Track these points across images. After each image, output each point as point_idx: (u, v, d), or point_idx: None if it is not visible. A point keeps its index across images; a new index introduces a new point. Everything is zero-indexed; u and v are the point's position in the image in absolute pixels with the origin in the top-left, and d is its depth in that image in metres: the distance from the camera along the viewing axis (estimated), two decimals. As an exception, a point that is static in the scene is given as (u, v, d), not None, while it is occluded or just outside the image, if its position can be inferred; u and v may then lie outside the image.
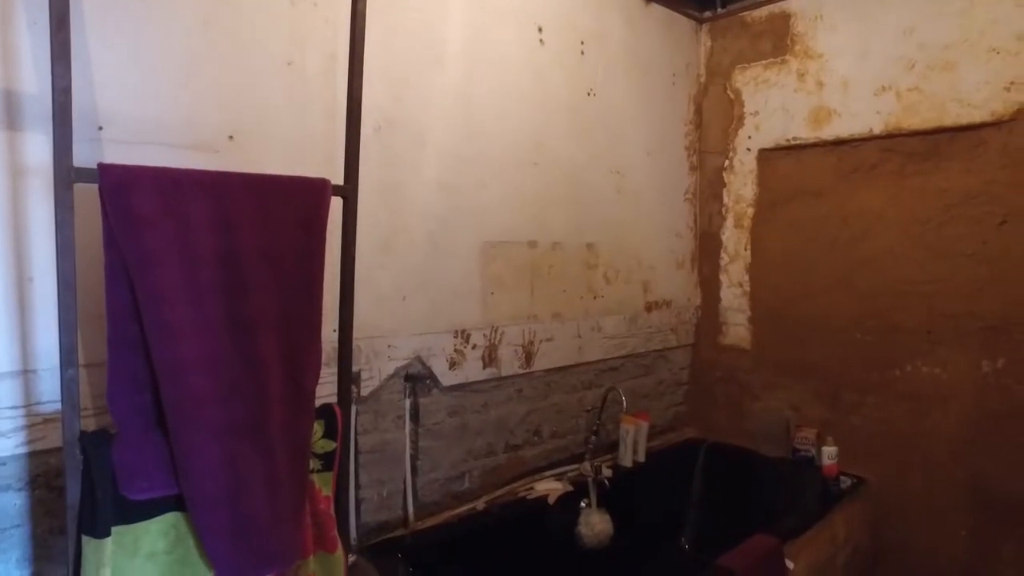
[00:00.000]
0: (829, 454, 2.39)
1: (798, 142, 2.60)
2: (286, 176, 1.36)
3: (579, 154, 2.40)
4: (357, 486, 1.88)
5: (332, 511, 1.45)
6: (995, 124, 2.15)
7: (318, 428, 1.43)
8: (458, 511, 2.09)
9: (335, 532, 1.45)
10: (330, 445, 1.45)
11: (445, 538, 1.98)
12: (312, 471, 1.41)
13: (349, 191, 1.48)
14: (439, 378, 2.03)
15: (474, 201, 2.10)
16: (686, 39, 2.84)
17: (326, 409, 1.46)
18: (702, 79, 2.91)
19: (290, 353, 1.32)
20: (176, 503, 1.23)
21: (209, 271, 1.22)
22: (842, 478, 2.39)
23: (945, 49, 2.24)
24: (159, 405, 1.19)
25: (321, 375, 1.61)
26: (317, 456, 1.43)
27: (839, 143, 2.50)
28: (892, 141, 2.37)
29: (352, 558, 1.84)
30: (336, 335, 1.58)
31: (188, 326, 1.18)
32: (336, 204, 1.50)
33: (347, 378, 1.51)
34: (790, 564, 1.93)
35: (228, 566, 1.23)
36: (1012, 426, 2.11)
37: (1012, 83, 2.11)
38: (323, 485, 1.44)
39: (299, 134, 1.67)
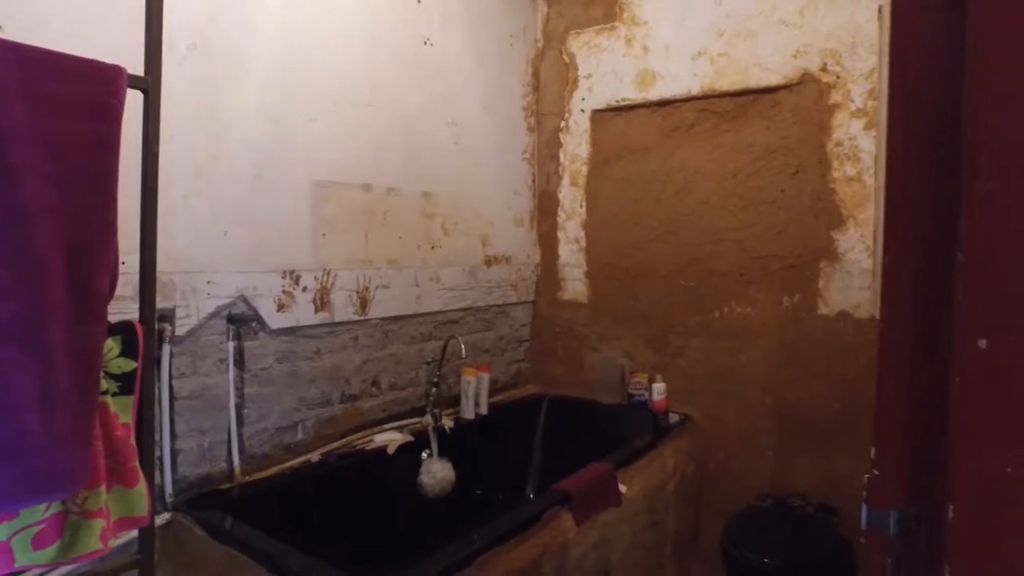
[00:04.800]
0: (658, 390, 2.53)
1: (627, 103, 2.75)
2: (70, 55, 1.19)
3: (416, 101, 2.36)
4: (173, 436, 1.70)
5: (133, 440, 1.28)
6: (787, 87, 2.41)
7: (114, 345, 1.26)
8: (291, 463, 1.96)
9: (136, 463, 1.28)
10: (129, 365, 1.28)
11: (276, 491, 1.85)
12: (107, 393, 1.24)
13: (151, 83, 1.33)
14: (266, 320, 1.90)
15: (303, 136, 1.99)
16: (523, 3, 2.91)
17: (124, 325, 1.29)
18: (539, 44, 3.00)
19: (77, 251, 1.15)
20: (-84, 426, 1.02)
21: (-39, 147, 1.03)
22: (671, 415, 2.54)
23: (747, 19, 2.47)
24: None
25: (126, 312, 1.45)
26: (113, 376, 1.25)
27: (663, 104, 2.67)
28: (707, 102, 2.57)
29: (166, 516, 1.66)
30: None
31: (-71, 205, 0.99)
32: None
33: (150, 294, 1.35)
34: (623, 488, 2.02)
35: (-11, 495, 1.05)
36: (804, 353, 2.37)
37: (798, 51, 2.38)
38: (120, 410, 1.26)
39: (93, 39, 1.48)
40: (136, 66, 1.30)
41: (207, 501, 1.72)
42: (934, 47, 0.47)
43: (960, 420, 0.45)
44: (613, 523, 1.96)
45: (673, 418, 2.54)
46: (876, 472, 0.51)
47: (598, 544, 1.88)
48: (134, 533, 1.37)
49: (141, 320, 1.34)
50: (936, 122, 0.48)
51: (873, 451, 0.52)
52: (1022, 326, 0.43)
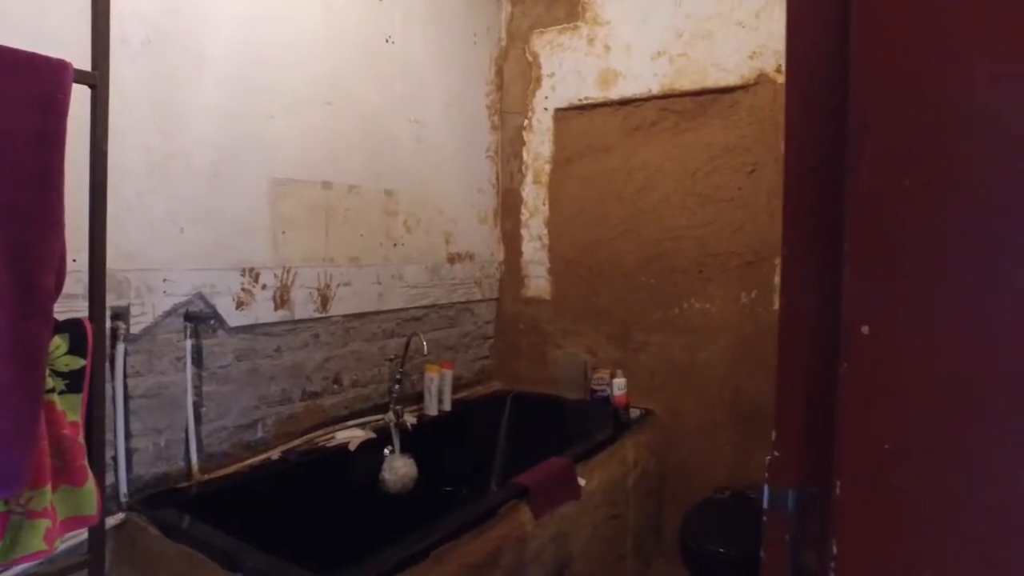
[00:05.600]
0: (619, 385, 2.57)
1: (589, 102, 2.78)
2: (11, 48, 1.17)
3: (377, 99, 2.36)
4: (128, 435, 1.68)
5: (81, 439, 1.27)
6: (744, 87, 2.46)
7: (61, 343, 1.24)
8: (251, 461, 1.95)
9: (84, 462, 1.26)
10: (77, 363, 1.26)
11: (236, 489, 1.84)
12: (53, 391, 1.22)
13: (98, 79, 1.31)
14: (225, 318, 1.89)
15: (262, 134, 1.99)
16: (486, 2, 2.92)
17: (73, 322, 1.28)
18: (503, 43, 3.01)
19: (19, 247, 1.14)
20: None
21: None
22: (632, 410, 2.58)
23: (705, 20, 2.52)
24: None
25: (78, 310, 1.43)
26: (60, 374, 1.24)
27: (624, 103, 2.71)
28: (667, 101, 2.61)
29: (120, 516, 1.65)
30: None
31: None
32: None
33: (100, 292, 1.33)
34: (582, 481, 2.05)
35: (-73, 495, 1.03)
36: (761, 347, 2.42)
37: (754, 52, 2.43)
38: (68, 408, 1.25)
39: (39, 32, 1.46)
40: (86, 61, 1.29)
41: (163, 500, 1.71)
42: (827, 51, 0.50)
43: (845, 402, 0.48)
44: (572, 516, 1.99)
45: (634, 413, 2.58)
46: (776, 453, 0.54)
47: (556, 537, 1.90)
48: (85, 533, 1.36)
49: (91, 318, 1.33)
50: (829, 121, 0.50)
51: (773, 433, 0.54)
52: (900, 313, 0.46)
